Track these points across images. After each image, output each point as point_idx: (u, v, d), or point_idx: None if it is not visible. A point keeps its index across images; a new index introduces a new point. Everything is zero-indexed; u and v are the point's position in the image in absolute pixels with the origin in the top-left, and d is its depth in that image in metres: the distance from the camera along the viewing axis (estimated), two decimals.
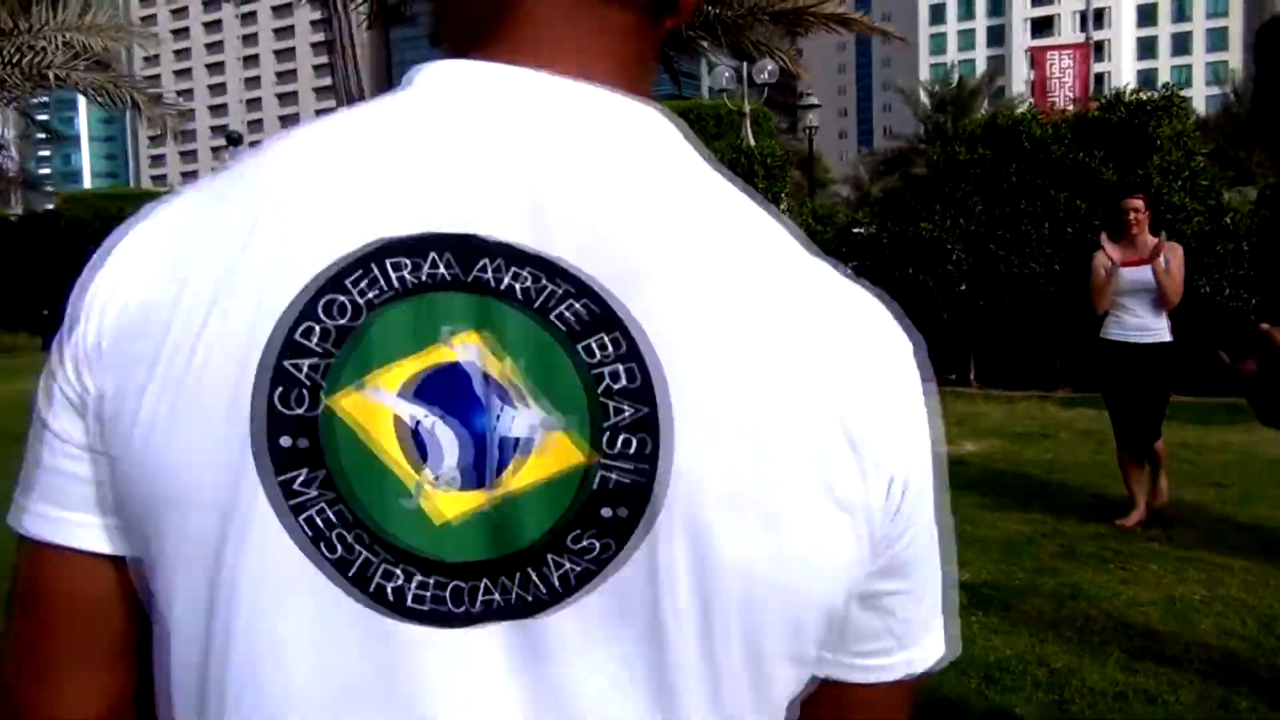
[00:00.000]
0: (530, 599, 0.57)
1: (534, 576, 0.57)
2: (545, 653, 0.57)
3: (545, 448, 0.57)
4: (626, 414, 0.57)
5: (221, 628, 0.58)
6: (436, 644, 0.57)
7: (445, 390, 0.57)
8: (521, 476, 0.57)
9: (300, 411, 0.57)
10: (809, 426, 0.58)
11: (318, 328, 0.57)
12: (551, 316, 0.57)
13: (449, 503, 0.57)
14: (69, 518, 0.63)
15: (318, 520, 0.57)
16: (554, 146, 0.61)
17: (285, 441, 0.57)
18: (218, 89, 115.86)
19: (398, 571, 0.57)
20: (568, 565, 0.57)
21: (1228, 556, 4.94)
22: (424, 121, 0.62)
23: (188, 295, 0.59)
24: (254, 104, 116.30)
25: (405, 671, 0.57)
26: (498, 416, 0.57)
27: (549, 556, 0.57)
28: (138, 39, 14.47)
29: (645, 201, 0.61)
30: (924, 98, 46.41)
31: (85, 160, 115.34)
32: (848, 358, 0.61)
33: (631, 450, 0.56)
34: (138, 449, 0.60)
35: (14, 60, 12.32)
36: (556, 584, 0.57)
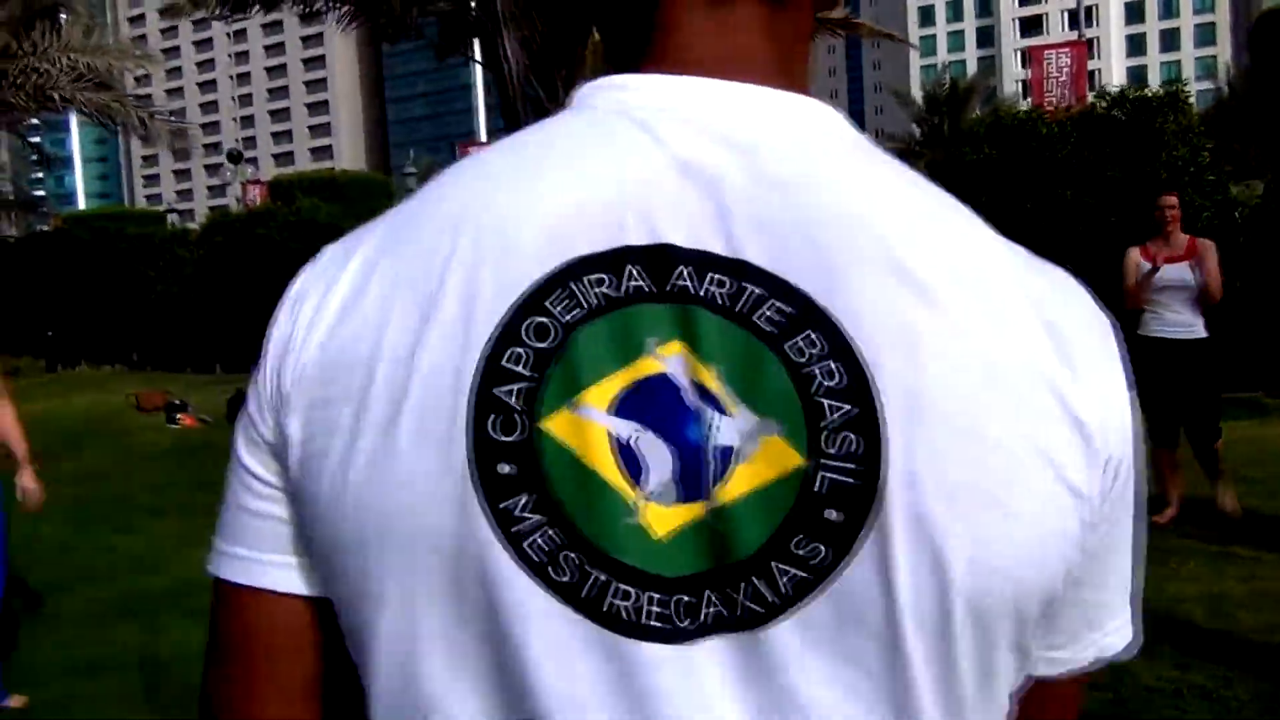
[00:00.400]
0: (754, 609, 0.56)
1: (756, 586, 0.56)
2: (774, 664, 0.57)
3: (758, 454, 0.56)
4: (840, 413, 0.56)
5: (459, 660, 0.58)
6: (670, 661, 0.57)
7: (651, 403, 0.57)
8: (736, 485, 0.56)
9: (512, 438, 0.57)
10: (1030, 410, 0.57)
11: (522, 352, 0.57)
12: (753, 319, 0.57)
13: (664, 517, 0.57)
14: (263, 559, 0.64)
15: (541, 544, 0.56)
16: (732, 150, 0.61)
17: (501, 468, 0.56)
18: (209, 107, 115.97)
19: (626, 590, 0.56)
20: (791, 572, 0.56)
21: (1261, 550, 4.94)
22: (600, 137, 0.63)
23: (391, 330, 0.59)
24: (247, 121, 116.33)
25: (644, 692, 0.57)
26: (707, 426, 0.56)
27: (771, 565, 0.56)
28: (140, 61, 14.50)
29: (831, 196, 0.60)
30: (919, 100, 46.54)
31: (79, 181, 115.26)
32: (1059, 338, 0.59)
33: (850, 449, 0.55)
34: (342, 488, 0.59)
35: (18, 82, 12.31)
36: (780, 593, 0.56)
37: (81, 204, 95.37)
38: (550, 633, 0.56)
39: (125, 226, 20.21)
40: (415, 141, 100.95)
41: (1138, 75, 68.45)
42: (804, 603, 0.56)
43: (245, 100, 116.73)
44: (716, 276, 0.58)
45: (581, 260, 0.58)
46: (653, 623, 0.56)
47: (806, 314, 0.57)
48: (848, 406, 0.56)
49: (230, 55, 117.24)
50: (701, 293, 0.57)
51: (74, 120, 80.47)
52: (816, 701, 0.56)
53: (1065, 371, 0.59)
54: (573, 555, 0.56)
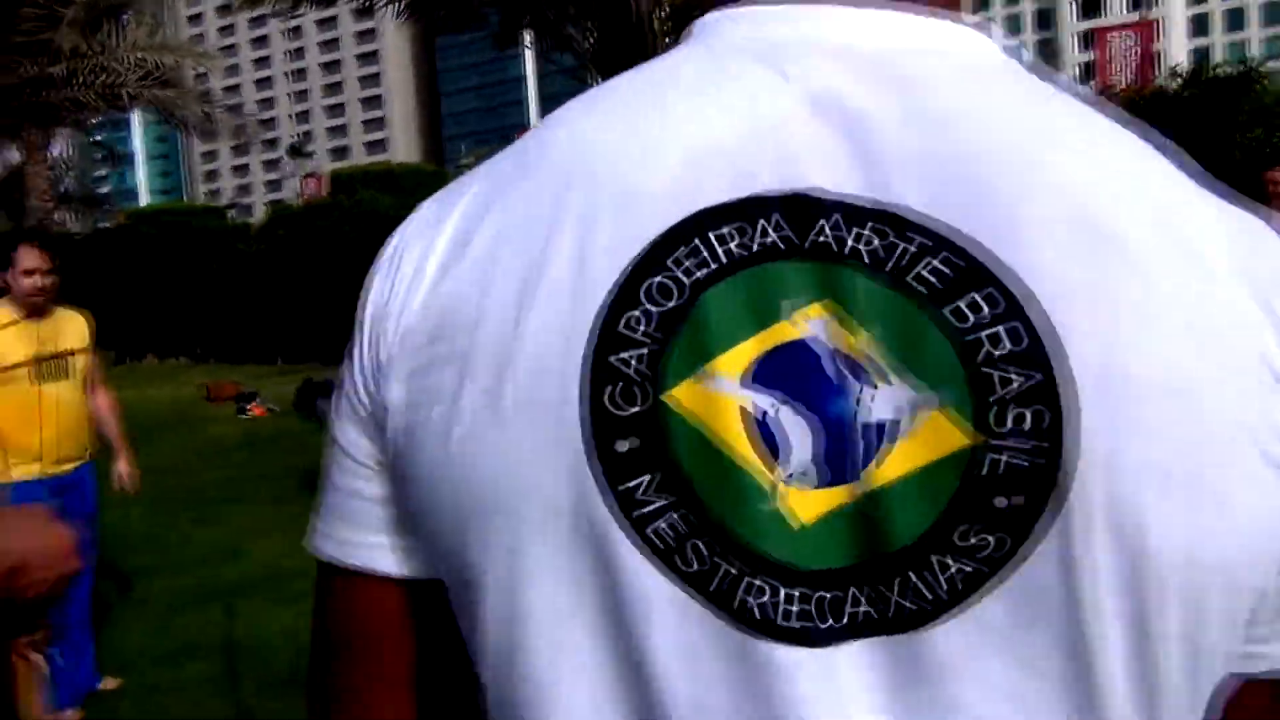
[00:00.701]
0: (911, 608, 0.50)
1: (914, 582, 0.50)
2: (932, 671, 0.50)
3: (917, 431, 0.49)
4: (1015, 384, 0.48)
5: (571, 649, 0.54)
6: (809, 666, 0.51)
7: (791, 373, 0.51)
8: (890, 466, 0.50)
9: (633, 411, 0.51)
10: (1242, 382, 0.50)
11: (642, 315, 0.52)
12: (909, 278, 0.50)
13: (805, 502, 0.50)
14: (360, 539, 0.60)
15: (665, 530, 0.51)
16: (878, 83, 0.54)
17: (620, 445, 0.51)
18: (266, 103, 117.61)
19: (761, 585, 0.51)
20: (955, 567, 0.49)
21: None
22: (724, 73, 0.56)
23: (495, 291, 0.54)
24: (303, 116, 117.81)
25: (777, 700, 0.51)
26: (856, 399, 0.50)
27: (931, 558, 0.49)
28: (203, 58, 14.75)
29: (1000, 134, 0.52)
30: None
31: (141, 178, 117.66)
32: (1263, 296, 0.51)
33: (1027, 426, 0.48)
34: (443, 459, 0.55)
35: (87, 81, 12.57)
36: (943, 590, 0.49)
37: (144, 200, 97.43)
38: (675, 627, 0.51)
39: (189, 222, 20.57)
40: (467, 134, 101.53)
41: (1202, 55, 66.82)
42: (971, 601, 0.49)
43: (301, 96, 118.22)
44: (865, 228, 0.51)
45: (709, 211, 0.52)
46: (790, 622, 0.50)
47: (974, 271, 0.49)
48: (1026, 376, 0.48)
49: (286, 52, 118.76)
50: (847, 248, 0.51)
51: (135, 118, 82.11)
52: (982, 714, 0.50)
53: (1272, 333, 0.51)
54: (701, 543, 0.51)
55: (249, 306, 18.17)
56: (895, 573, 0.50)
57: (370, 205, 16.21)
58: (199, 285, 18.88)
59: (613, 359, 0.51)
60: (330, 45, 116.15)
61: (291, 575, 5.43)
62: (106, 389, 4.32)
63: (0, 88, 12.32)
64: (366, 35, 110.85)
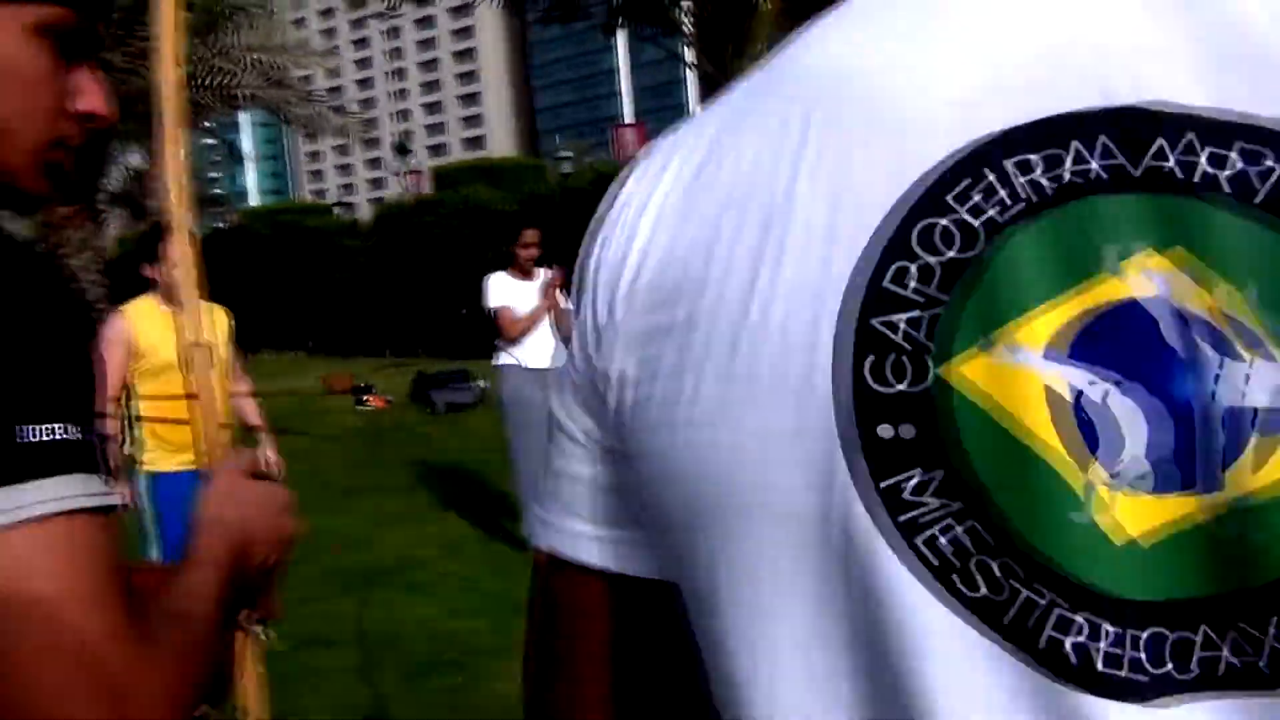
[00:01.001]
0: None
1: None
2: None
3: None
4: None
5: (821, 678, 0.44)
6: None
7: (1120, 342, 0.40)
8: (1270, 470, 0.38)
9: (902, 387, 0.41)
10: None
11: (915, 267, 0.41)
12: None
13: (1136, 512, 0.39)
14: (575, 528, 0.52)
15: (943, 543, 0.41)
16: None
17: (885, 431, 0.41)
18: (367, 103, 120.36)
19: (1074, 618, 0.40)
20: None
21: None
22: None
23: (728, 243, 0.44)
24: (403, 115, 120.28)
25: None
26: (1215, 377, 0.39)
27: None
28: (314, 59, 15.14)
29: None
30: None
31: (251, 178, 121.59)
32: None
33: None
34: (669, 444, 0.45)
35: (205, 83, 12.92)
36: None
37: (254, 200, 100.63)
38: (956, 665, 0.41)
39: (299, 221, 21.13)
40: (562, 126, 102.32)
41: None
42: None
43: (400, 95, 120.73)
44: (1219, 150, 0.39)
45: (1008, 135, 0.41)
46: (1114, 669, 0.39)
47: None
48: None
49: (385, 52, 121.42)
50: (1197, 176, 0.39)
51: (244, 120, 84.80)
52: None
53: None
54: (991, 561, 0.40)
55: (359, 301, 18.56)
56: (1270, 610, 0.38)
57: (475, 199, 16.38)
58: (310, 282, 19.36)
59: (877, 322, 0.41)
60: (428, 44, 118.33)
61: (421, 564, 5.46)
62: (244, 380, 4.38)
63: (126, 94, 12.79)
64: (462, 33, 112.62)
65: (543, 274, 5.24)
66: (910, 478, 0.41)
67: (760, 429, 0.43)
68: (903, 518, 0.41)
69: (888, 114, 0.43)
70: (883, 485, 0.41)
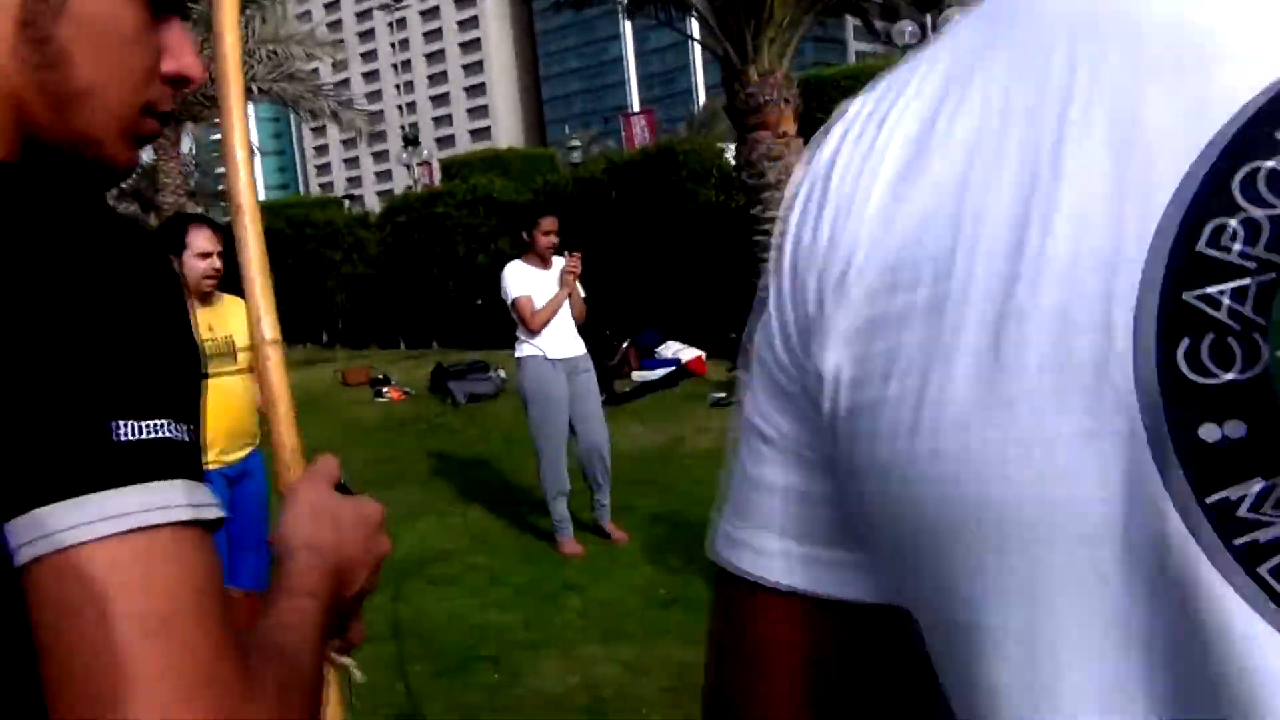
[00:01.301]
0: None
1: None
2: None
3: None
4: None
5: None
6: None
7: None
8: None
9: (1229, 376, 0.34)
10: None
11: (1237, 224, 0.34)
12: None
13: None
14: (766, 545, 0.45)
15: None
16: None
17: (1209, 432, 0.34)
18: (374, 96, 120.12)
19: None
20: None
21: None
22: None
23: (979, 206, 0.37)
24: (410, 107, 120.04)
25: None
26: None
27: None
28: (328, 50, 15.07)
29: None
30: None
31: (259, 172, 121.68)
32: None
33: None
34: (910, 460, 0.39)
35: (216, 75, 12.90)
36: None
37: (262, 194, 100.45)
38: None
39: (311, 213, 21.07)
40: (570, 117, 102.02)
41: None
42: None
43: (407, 87, 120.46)
44: None
45: None
46: None
47: None
48: None
49: (392, 44, 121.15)
50: None
51: (253, 113, 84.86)
52: None
53: None
54: None
55: (372, 293, 18.54)
56: None
57: (486, 189, 16.30)
58: (323, 274, 19.32)
59: (1191, 296, 0.34)
60: (434, 35, 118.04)
61: (447, 556, 5.42)
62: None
63: None
64: (467, 24, 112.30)
65: (558, 261, 5.18)
66: (1246, 489, 0.33)
67: (1034, 433, 0.36)
68: (1239, 541, 0.34)
69: (1184, 37, 0.36)
70: (1209, 500, 0.34)
